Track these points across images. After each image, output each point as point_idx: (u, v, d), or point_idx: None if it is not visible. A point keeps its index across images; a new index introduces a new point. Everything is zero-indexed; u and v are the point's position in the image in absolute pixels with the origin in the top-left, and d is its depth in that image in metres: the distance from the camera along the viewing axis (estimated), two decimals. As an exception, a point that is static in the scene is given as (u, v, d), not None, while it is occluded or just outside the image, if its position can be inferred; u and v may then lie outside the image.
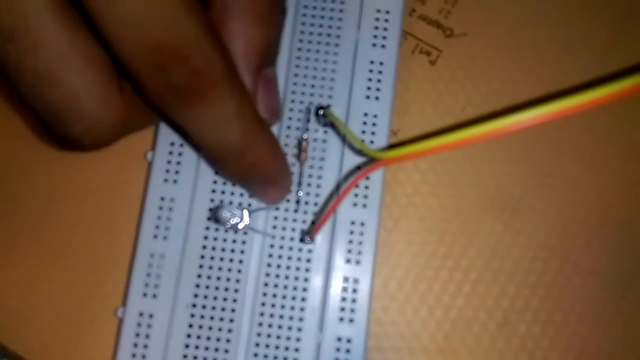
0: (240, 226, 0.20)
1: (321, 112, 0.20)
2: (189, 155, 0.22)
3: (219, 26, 0.18)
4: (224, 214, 0.19)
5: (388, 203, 0.23)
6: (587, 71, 0.24)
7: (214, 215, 0.20)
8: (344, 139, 0.22)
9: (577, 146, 0.23)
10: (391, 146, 0.23)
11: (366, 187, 0.22)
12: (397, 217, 0.23)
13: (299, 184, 0.22)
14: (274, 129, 0.22)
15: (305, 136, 0.21)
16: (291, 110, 0.22)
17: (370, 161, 0.22)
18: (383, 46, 0.23)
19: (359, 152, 0.22)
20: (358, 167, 0.22)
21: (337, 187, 0.22)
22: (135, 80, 0.16)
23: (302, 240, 0.21)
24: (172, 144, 0.22)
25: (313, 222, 0.21)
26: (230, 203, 0.22)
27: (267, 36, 0.19)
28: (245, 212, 0.20)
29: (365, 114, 0.22)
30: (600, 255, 0.23)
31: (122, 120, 0.17)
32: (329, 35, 0.23)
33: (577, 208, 0.23)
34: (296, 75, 0.23)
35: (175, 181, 0.22)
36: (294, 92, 0.23)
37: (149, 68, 0.16)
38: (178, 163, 0.22)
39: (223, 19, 0.18)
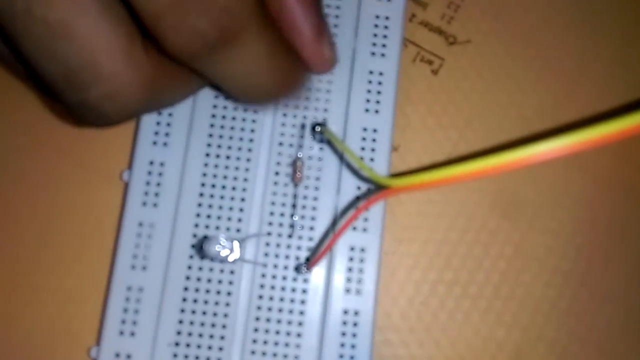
0: (231, 259, 0.18)
1: (318, 128, 0.18)
2: (171, 175, 0.20)
3: None
4: (213, 248, 0.17)
5: (389, 224, 0.21)
6: (597, 80, 0.23)
7: (201, 250, 0.18)
8: (341, 158, 0.20)
9: (590, 164, 0.22)
10: (398, 174, 0.21)
11: (366, 209, 0.20)
12: (399, 240, 0.21)
13: (294, 206, 0.20)
14: (263, 147, 0.20)
15: (300, 155, 0.19)
16: (283, 125, 0.20)
17: (370, 183, 0.20)
18: (383, 55, 0.21)
19: (358, 172, 0.20)
20: (358, 188, 0.20)
21: (334, 220, 0.20)
22: (157, 31, 0.14)
23: (297, 270, 0.19)
24: (151, 162, 0.20)
25: (310, 252, 0.19)
26: (217, 228, 0.19)
27: None
28: (236, 243, 0.18)
29: (365, 129, 0.21)
30: (617, 280, 0.21)
31: (147, 84, 0.15)
32: (323, 42, 0.21)
33: (591, 229, 0.21)
34: (288, 86, 0.21)
35: (154, 204, 0.20)
36: (286, 105, 0.21)
37: (173, 15, 0.14)
38: (158, 184, 0.20)
39: None
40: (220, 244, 0.17)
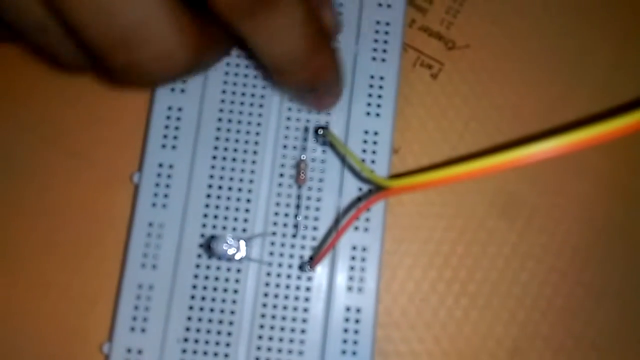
0: (237, 257, 0.18)
1: (320, 132, 0.19)
2: (179, 177, 0.21)
3: None
4: (220, 247, 0.18)
5: (390, 224, 0.22)
6: (594, 83, 0.23)
7: (209, 249, 0.19)
8: (343, 160, 0.21)
9: (585, 164, 0.22)
10: (398, 175, 0.21)
11: (367, 210, 0.21)
12: (399, 240, 0.22)
13: (297, 207, 0.20)
14: (267, 150, 0.21)
15: (303, 157, 0.20)
16: (287, 128, 0.21)
17: (371, 184, 0.20)
18: (383, 60, 0.22)
19: (359, 174, 0.21)
20: (359, 189, 0.21)
21: (337, 220, 0.20)
22: None
23: (301, 269, 0.20)
24: (161, 165, 0.21)
25: (313, 251, 0.20)
26: (224, 228, 0.20)
27: None
28: (242, 243, 0.19)
29: (366, 132, 0.21)
30: (612, 277, 0.22)
31: (194, 47, 0.16)
32: (326, 48, 0.22)
33: (586, 228, 0.22)
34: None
35: (164, 205, 0.20)
36: (290, 110, 0.21)
37: None
38: (167, 186, 0.21)
39: None
40: (227, 243, 0.18)
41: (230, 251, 0.18)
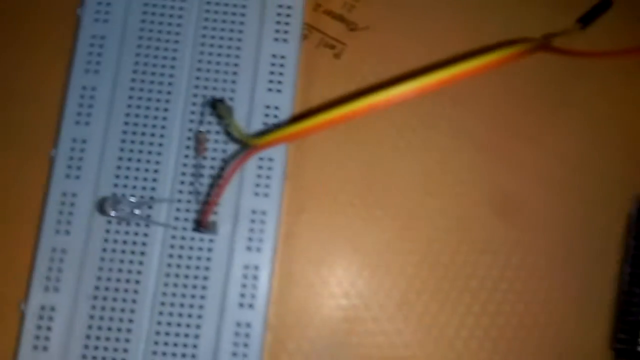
0: (136, 214, 0.20)
1: (215, 104, 0.21)
2: (92, 151, 0.22)
3: None
4: (118, 206, 0.20)
5: (290, 192, 0.23)
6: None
7: (107, 208, 0.21)
8: (228, 133, 0.22)
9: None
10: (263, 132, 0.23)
11: (268, 177, 0.22)
12: (301, 205, 0.23)
13: (196, 176, 0.22)
14: (176, 123, 0.22)
15: (202, 129, 0.22)
16: (194, 104, 0.23)
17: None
18: (285, 40, 0.24)
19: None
20: (260, 158, 0.22)
21: (219, 176, 0.22)
22: None
23: (195, 229, 0.21)
24: (74, 140, 0.22)
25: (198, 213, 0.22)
26: (133, 196, 0.22)
27: None
28: (139, 202, 0.20)
29: (268, 107, 0.23)
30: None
31: None
32: (232, 30, 0.24)
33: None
34: (199, 69, 0.23)
35: (77, 177, 0.22)
36: (196, 87, 0.23)
37: None
38: (80, 159, 0.22)
39: None
40: (125, 203, 0.20)
41: (125, 210, 0.20)
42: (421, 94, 0.16)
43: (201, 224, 0.20)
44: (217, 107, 0.21)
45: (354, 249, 0.23)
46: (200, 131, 0.22)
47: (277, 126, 0.21)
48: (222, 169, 0.22)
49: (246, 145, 0.17)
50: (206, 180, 0.22)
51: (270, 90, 0.23)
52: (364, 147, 0.24)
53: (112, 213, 0.20)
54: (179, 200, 0.22)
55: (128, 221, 0.21)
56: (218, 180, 0.22)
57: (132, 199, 0.21)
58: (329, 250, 0.23)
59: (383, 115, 0.24)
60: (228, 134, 0.21)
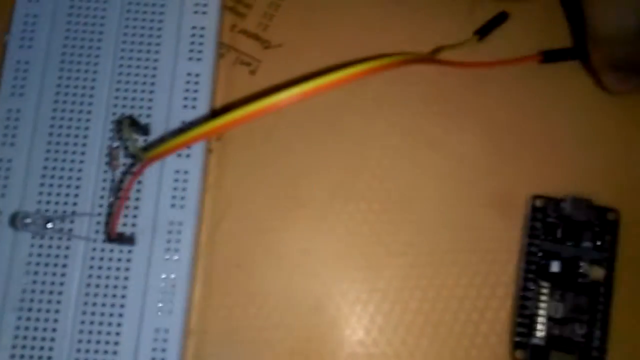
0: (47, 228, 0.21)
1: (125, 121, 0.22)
2: (17, 168, 0.24)
3: None
4: (26, 221, 0.21)
5: (209, 201, 0.25)
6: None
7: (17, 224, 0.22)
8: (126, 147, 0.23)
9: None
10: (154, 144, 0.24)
11: (184, 189, 0.24)
12: (222, 213, 0.25)
13: (112, 190, 0.23)
14: (96, 138, 0.24)
15: (115, 145, 0.23)
16: (113, 122, 0.24)
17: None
18: (199, 59, 0.25)
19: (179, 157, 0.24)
20: (176, 171, 0.24)
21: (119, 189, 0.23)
22: None
23: (111, 241, 0.23)
24: (1, 159, 0.24)
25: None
26: (55, 212, 0.23)
27: None
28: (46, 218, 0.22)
29: (183, 122, 0.24)
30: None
31: None
32: (148, 51, 0.25)
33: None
34: (118, 89, 0.24)
35: (2, 195, 0.23)
36: (115, 105, 0.24)
37: None
38: (6, 177, 0.24)
39: None
40: (36, 217, 0.21)
41: (37, 224, 0.21)
42: (303, 99, 0.18)
43: (110, 237, 0.22)
44: (121, 123, 0.22)
45: (273, 253, 0.25)
46: (112, 147, 0.23)
47: (165, 138, 0.23)
48: (121, 181, 0.23)
49: (140, 158, 0.19)
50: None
51: (185, 107, 0.25)
52: (281, 154, 0.26)
53: (23, 228, 0.21)
54: (99, 214, 0.23)
55: (42, 235, 0.22)
56: (137, 193, 0.23)
57: (47, 214, 0.22)
58: (249, 256, 0.25)
59: (299, 123, 0.26)
60: (126, 148, 0.23)
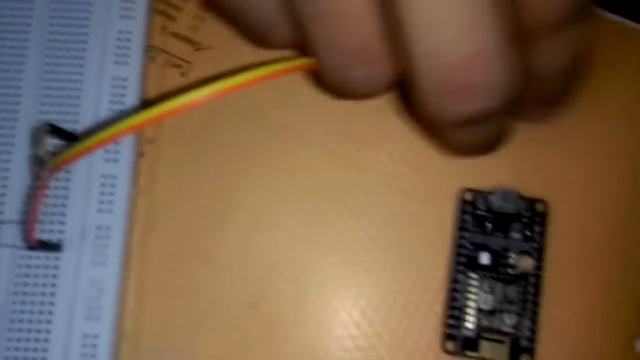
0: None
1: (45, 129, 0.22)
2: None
3: None
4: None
5: (144, 205, 0.25)
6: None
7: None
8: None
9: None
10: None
11: (111, 194, 0.24)
12: (154, 218, 0.25)
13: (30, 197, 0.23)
14: (23, 146, 0.24)
15: (35, 152, 0.23)
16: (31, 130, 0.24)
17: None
18: (126, 63, 0.25)
19: (107, 161, 0.24)
20: (103, 175, 0.24)
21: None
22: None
23: (35, 249, 0.22)
24: None
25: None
26: (-20, 220, 0.23)
27: None
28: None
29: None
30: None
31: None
32: (74, 57, 0.25)
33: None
34: (45, 95, 0.24)
35: None
36: (41, 112, 0.24)
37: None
38: None
39: None
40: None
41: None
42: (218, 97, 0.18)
43: (29, 244, 0.22)
44: (39, 130, 0.22)
45: (207, 256, 0.25)
46: (34, 154, 0.23)
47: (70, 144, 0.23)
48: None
49: (48, 165, 0.19)
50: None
51: (112, 111, 0.24)
52: (215, 156, 0.26)
53: None
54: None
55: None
56: (64, 200, 0.23)
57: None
58: (183, 260, 0.25)
59: (232, 125, 0.26)
60: (36, 156, 0.22)
